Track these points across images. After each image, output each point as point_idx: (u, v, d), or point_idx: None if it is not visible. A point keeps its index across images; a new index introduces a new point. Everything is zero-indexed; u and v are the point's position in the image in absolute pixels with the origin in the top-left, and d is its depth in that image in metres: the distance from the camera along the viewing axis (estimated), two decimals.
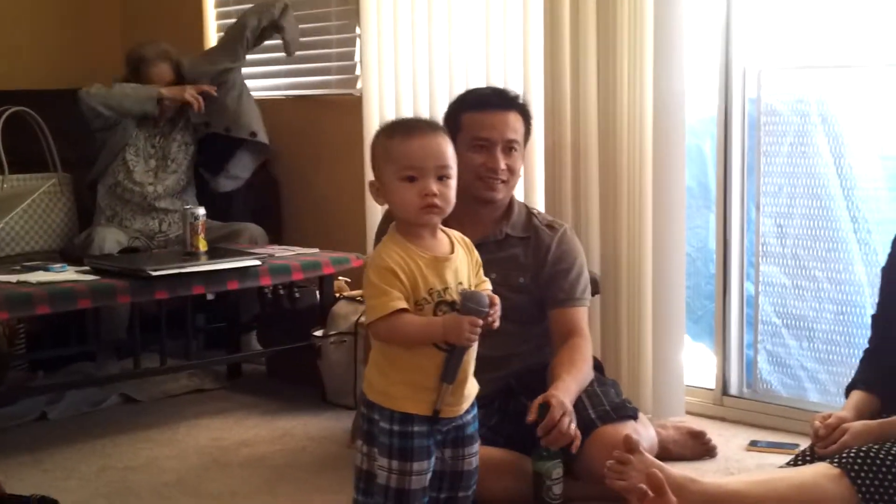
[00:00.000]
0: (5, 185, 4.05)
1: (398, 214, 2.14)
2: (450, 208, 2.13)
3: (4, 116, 4.15)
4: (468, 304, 2.06)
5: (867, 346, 2.72)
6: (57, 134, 4.27)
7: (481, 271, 2.22)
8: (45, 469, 3.08)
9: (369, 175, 3.98)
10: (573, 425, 2.53)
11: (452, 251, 2.15)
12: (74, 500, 2.82)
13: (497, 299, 2.11)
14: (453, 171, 2.13)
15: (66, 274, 3.36)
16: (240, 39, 4.18)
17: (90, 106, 4.04)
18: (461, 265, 2.15)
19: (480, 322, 2.06)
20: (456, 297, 2.10)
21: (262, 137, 4.25)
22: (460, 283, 2.12)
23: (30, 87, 4.64)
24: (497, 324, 2.11)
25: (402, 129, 2.16)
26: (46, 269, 3.40)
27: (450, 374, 2.08)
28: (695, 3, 3.37)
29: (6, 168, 4.10)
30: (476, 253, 2.22)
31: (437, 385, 2.08)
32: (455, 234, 2.21)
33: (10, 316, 3.21)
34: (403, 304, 2.06)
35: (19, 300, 3.10)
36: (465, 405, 2.15)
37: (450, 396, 2.10)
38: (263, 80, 4.68)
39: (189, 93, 4.08)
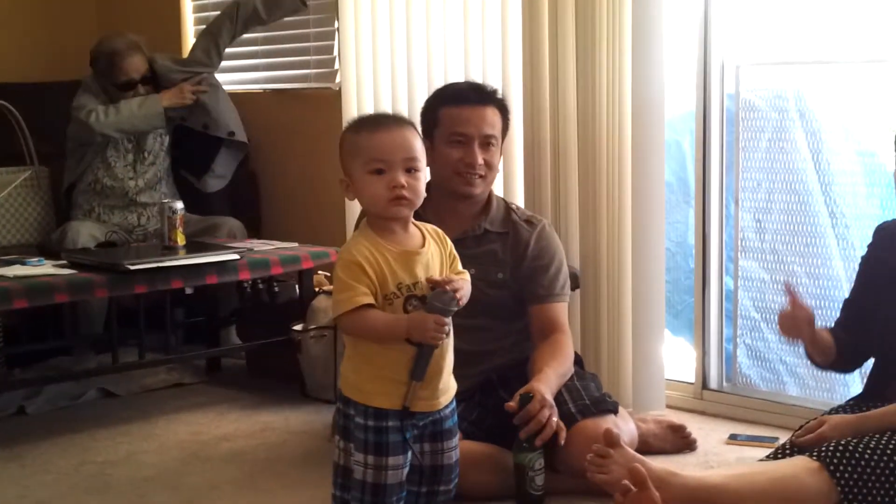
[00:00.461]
0: None
1: (368, 208, 2.15)
2: (419, 201, 2.14)
3: None
4: (434, 302, 2.07)
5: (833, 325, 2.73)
6: (34, 127, 4.23)
7: (458, 263, 2.21)
8: (24, 464, 3.06)
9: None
10: (555, 418, 2.54)
11: (424, 245, 2.15)
12: (53, 494, 2.82)
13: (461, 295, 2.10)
14: (421, 163, 2.14)
15: (44, 268, 3.34)
16: (214, 45, 4.19)
17: (104, 133, 4.01)
18: (433, 259, 2.15)
19: (446, 321, 2.06)
20: (427, 292, 2.10)
21: (241, 136, 4.24)
22: (416, 283, 2.11)
23: (6, 80, 4.60)
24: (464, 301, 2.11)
25: (368, 124, 2.17)
26: (23, 263, 3.38)
27: (419, 371, 2.08)
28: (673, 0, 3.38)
29: None
30: (450, 245, 2.21)
31: (407, 380, 2.08)
32: (428, 227, 2.21)
33: None
34: (369, 300, 2.06)
35: None
36: (443, 400, 2.15)
37: (422, 391, 2.10)
38: (242, 73, 4.66)
39: (188, 96, 4.08)
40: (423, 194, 2.15)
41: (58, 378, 3.72)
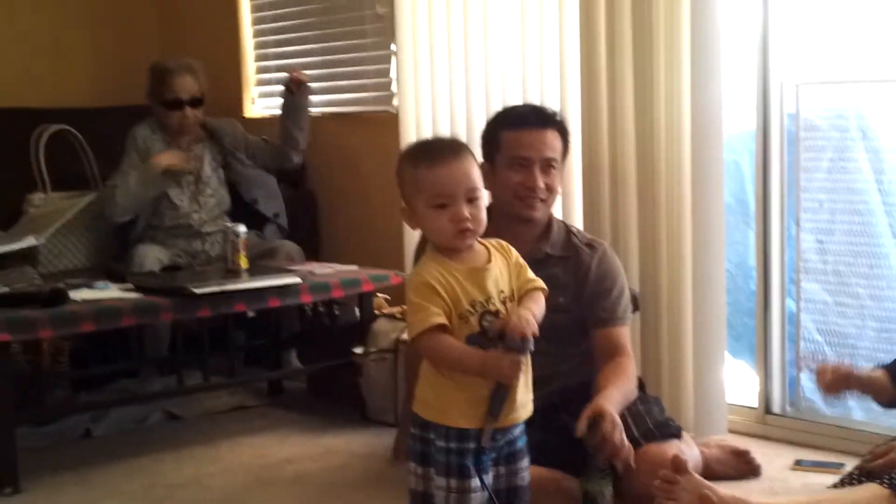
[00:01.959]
0: (48, 204, 4.10)
1: (433, 240, 2.17)
2: (482, 228, 2.16)
3: (46, 135, 4.21)
4: (510, 343, 2.07)
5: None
6: (97, 151, 4.32)
7: (526, 271, 2.22)
8: (91, 487, 3.11)
9: None
10: (625, 438, 2.52)
11: (490, 260, 2.17)
12: None
13: (522, 320, 2.09)
14: (481, 191, 2.16)
15: (110, 291, 3.39)
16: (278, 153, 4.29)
17: (124, 220, 4.05)
18: (501, 273, 2.17)
19: (522, 360, 2.07)
20: (499, 306, 2.12)
21: (263, 207, 4.25)
22: (489, 299, 2.12)
23: (70, 105, 4.69)
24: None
25: (426, 157, 2.17)
26: (90, 287, 3.42)
27: (495, 409, 2.08)
28: (732, 18, 3.37)
29: (48, 186, 4.16)
30: (514, 254, 2.22)
31: (483, 416, 2.08)
32: (491, 241, 2.22)
33: (55, 334, 3.24)
34: (442, 320, 2.08)
35: (64, 318, 3.13)
36: (522, 413, 2.17)
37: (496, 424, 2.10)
38: None
39: (184, 163, 4.09)
40: (485, 220, 2.16)
41: (123, 401, 3.78)
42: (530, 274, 2.22)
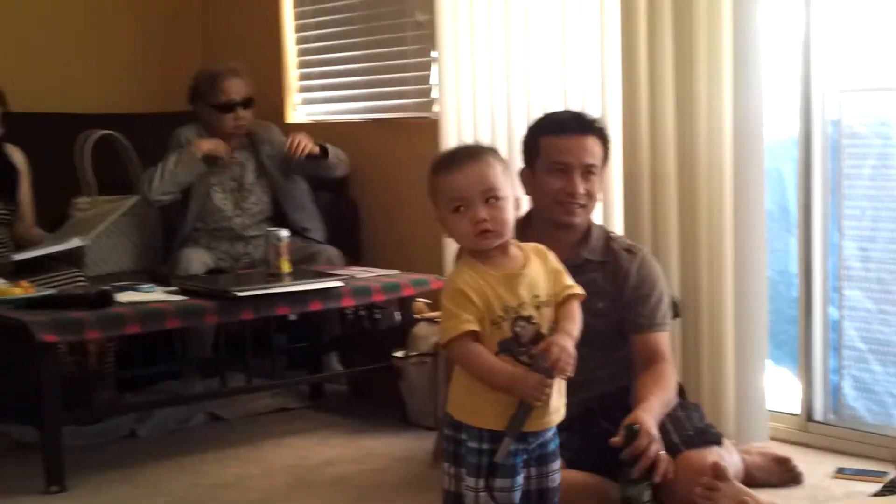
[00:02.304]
0: (93, 207, 4.17)
1: (459, 244, 2.21)
2: (504, 229, 2.16)
3: (92, 140, 4.28)
4: (540, 363, 2.09)
5: None
6: (142, 156, 4.38)
7: (564, 277, 2.23)
8: (136, 486, 3.15)
9: None
10: (662, 451, 2.53)
11: (525, 265, 2.18)
12: None
13: (557, 349, 2.10)
14: (502, 191, 2.16)
15: (155, 294, 3.42)
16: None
17: (157, 200, 4.12)
18: (537, 278, 2.18)
19: (549, 382, 2.09)
20: (533, 311, 2.13)
21: (315, 234, 4.29)
22: (522, 304, 2.14)
23: (114, 111, 4.76)
24: (568, 373, 2.13)
25: (444, 164, 2.21)
26: (135, 290, 3.46)
27: (514, 426, 2.09)
28: (774, 24, 3.36)
29: (94, 189, 4.22)
30: (552, 259, 2.23)
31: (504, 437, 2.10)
32: (529, 245, 2.24)
33: (102, 335, 3.29)
34: (473, 326, 2.10)
35: (110, 320, 3.18)
36: (554, 419, 2.18)
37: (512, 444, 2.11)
38: (342, 103, 4.75)
39: (223, 150, 4.14)
40: (509, 221, 2.17)
41: (168, 402, 3.83)
42: (567, 280, 2.23)
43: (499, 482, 2.12)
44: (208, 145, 4.12)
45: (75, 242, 3.71)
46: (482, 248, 2.16)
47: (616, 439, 2.53)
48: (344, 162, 4.41)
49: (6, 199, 3.88)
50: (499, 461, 2.11)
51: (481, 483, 2.11)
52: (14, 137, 3.93)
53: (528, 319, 2.13)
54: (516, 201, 2.23)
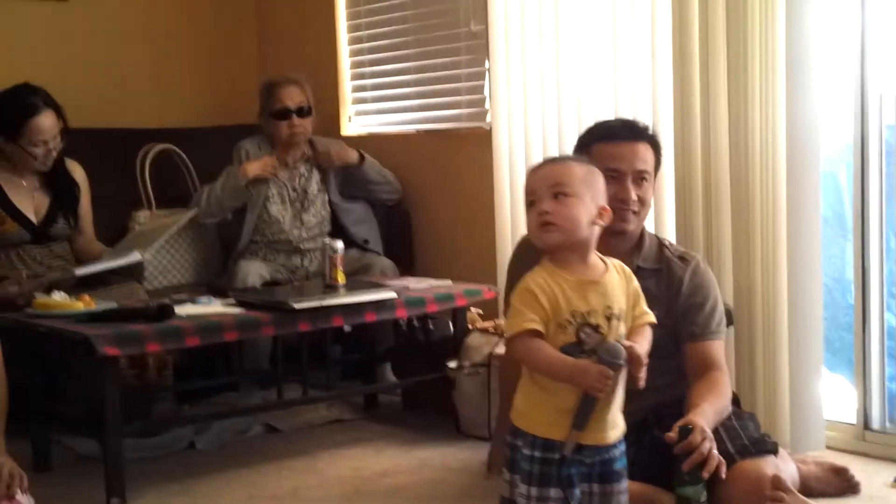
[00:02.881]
0: (152, 221, 4.24)
1: (533, 242, 2.24)
2: (571, 225, 2.18)
3: (152, 154, 4.35)
4: (602, 354, 2.09)
5: None
6: (199, 170, 4.46)
7: (642, 302, 2.24)
8: (194, 497, 3.19)
9: (499, 207, 4.10)
10: (714, 451, 2.51)
11: (603, 276, 2.19)
12: None
13: (636, 353, 2.13)
14: (572, 189, 2.18)
15: (213, 307, 3.46)
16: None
17: (205, 221, 4.22)
18: (615, 290, 2.19)
19: (611, 374, 2.09)
20: (601, 321, 2.15)
21: (374, 245, 4.36)
22: (591, 312, 2.15)
23: (173, 125, 4.84)
24: (643, 384, 2.15)
25: (533, 167, 2.31)
26: (194, 302, 3.51)
27: (580, 420, 2.11)
28: (828, 28, 3.32)
29: (153, 203, 4.30)
30: (635, 283, 2.25)
31: (567, 428, 2.11)
32: (615, 262, 2.25)
33: (161, 348, 3.34)
34: (536, 325, 2.12)
35: (170, 333, 3.21)
36: (612, 435, 2.18)
37: (583, 434, 2.12)
38: (395, 114, 4.79)
39: (268, 170, 4.20)
40: (575, 218, 2.18)
41: (225, 414, 3.87)
42: (644, 306, 2.25)
43: (553, 492, 2.12)
44: (254, 170, 4.17)
45: (135, 257, 3.78)
46: (545, 244, 2.18)
47: (671, 434, 2.51)
48: (390, 184, 4.48)
49: (67, 215, 3.96)
50: (565, 453, 2.12)
51: (534, 491, 2.12)
52: (76, 153, 4.01)
53: (596, 328, 2.14)
54: (601, 211, 2.23)
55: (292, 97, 4.25)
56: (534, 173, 2.25)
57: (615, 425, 2.19)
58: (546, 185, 2.18)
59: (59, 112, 3.82)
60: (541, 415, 2.14)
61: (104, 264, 3.73)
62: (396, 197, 4.55)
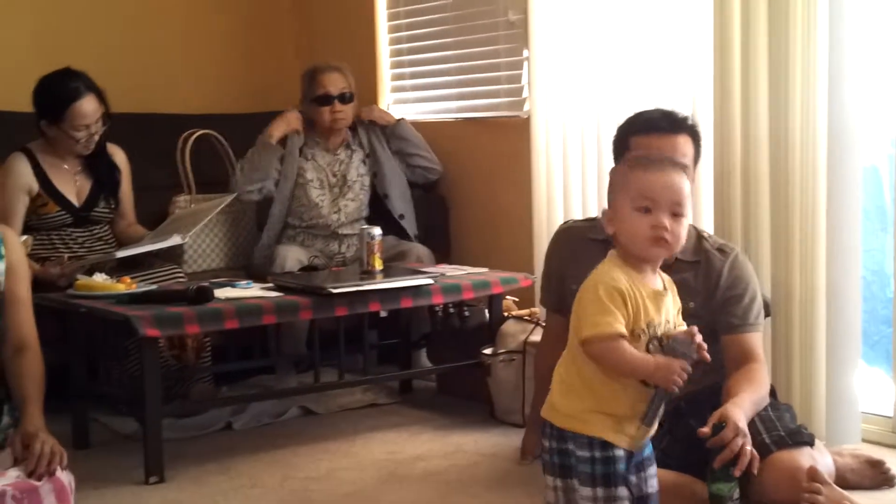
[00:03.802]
0: (192, 205, 4.29)
1: (626, 244, 2.17)
2: (678, 246, 2.17)
3: (192, 139, 4.39)
4: (677, 347, 2.10)
5: None
6: (239, 155, 4.48)
7: (680, 315, 2.25)
8: (231, 477, 3.22)
9: (536, 195, 4.10)
10: (748, 446, 2.51)
11: (665, 289, 2.20)
12: None
13: (699, 337, 2.14)
14: (686, 209, 2.16)
15: (252, 290, 3.50)
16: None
17: (246, 194, 4.26)
18: (671, 306, 2.19)
19: (690, 368, 2.08)
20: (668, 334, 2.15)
21: (409, 226, 4.39)
22: (660, 325, 2.15)
23: (213, 111, 4.88)
24: (708, 358, 2.15)
25: (644, 161, 2.20)
26: (233, 286, 3.55)
27: (650, 415, 2.11)
28: (869, 19, 3.30)
29: (193, 188, 4.34)
30: (679, 300, 2.25)
31: (637, 425, 2.12)
32: (665, 277, 2.24)
33: (201, 330, 3.37)
34: (624, 331, 2.09)
35: (210, 315, 3.25)
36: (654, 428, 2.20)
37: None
38: (433, 103, 4.80)
39: (293, 122, 4.28)
40: (682, 240, 2.17)
41: (263, 396, 3.91)
42: (680, 318, 2.25)
43: (620, 491, 2.12)
44: (279, 129, 4.24)
45: (175, 240, 3.82)
46: (649, 256, 2.15)
47: (704, 430, 2.51)
48: (429, 153, 4.50)
49: (108, 198, 4.01)
50: (634, 450, 2.13)
51: (599, 492, 2.11)
52: (118, 137, 4.06)
53: (661, 342, 2.14)
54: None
55: (335, 83, 4.29)
56: (654, 179, 2.13)
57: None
58: (668, 200, 2.12)
59: (100, 96, 3.86)
60: (595, 418, 2.12)
61: (144, 247, 3.79)
62: (436, 170, 4.55)
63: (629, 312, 2.10)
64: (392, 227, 4.29)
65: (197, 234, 4.10)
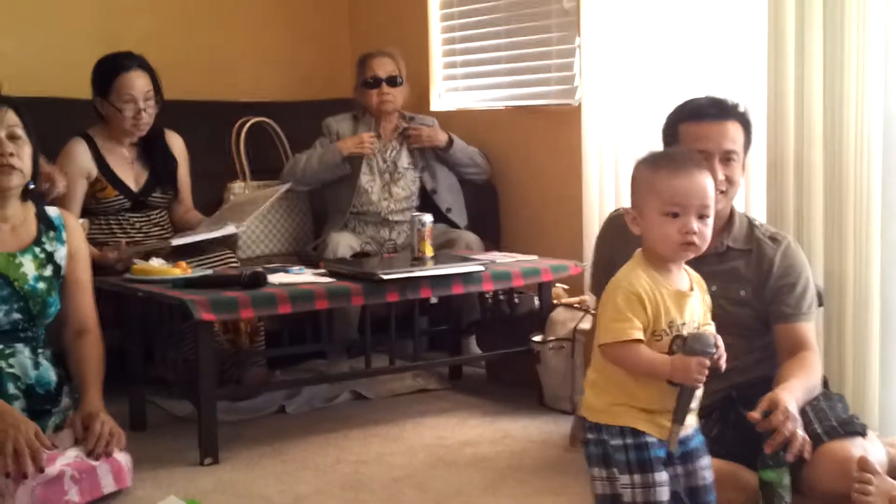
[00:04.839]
0: (246, 192, 4.34)
1: (654, 247, 2.19)
2: (705, 247, 2.19)
3: (247, 127, 4.45)
4: (695, 345, 2.12)
5: None
6: (293, 143, 4.54)
7: (709, 314, 2.26)
8: (285, 460, 3.27)
9: (587, 184, 4.10)
10: (800, 430, 2.50)
11: (691, 288, 2.21)
12: (312, 489, 3.00)
13: (720, 340, 2.16)
14: (711, 210, 2.18)
15: (305, 276, 3.53)
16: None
17: (298, 190, 4.32)
18: (697, 305, 2.20)
19: (708, 363, 2.10)
20: (688, 333, 2.16)
21: (457, 218, 4.40)
22: (684, 324, 2.16)
23: (268, 99, 4.94)
24: (724, 366, 2.16)
25: (668, 164, 2.21)
26: (287, 272, 3.59)
27: (680, 414, 2.13)
28: None
29: (248, 175, 4.40)
30: (708, 297, 2.27)
31: (670, 418, 2.14)
32: (693, 274, 2.25)
33: (255, 314, 3.42)
34: (640, 335, 2.12)
35: (264, 300, 3.28)
36: (689, 423, 2.20)
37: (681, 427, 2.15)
38: (484, 91, 4.81)
39: (366, 147, 4.27)
40: (708, 240, 2.19)
41: (315, 380, 3.96)
42: (709, 317, 2.26)
43: (656, 476, 2.13)
44: (350, 147, 4.24)
45: (230, 229, 3.86)
46: (676, 259, 2.18)
47: (754, 413, 2.51)
48: (478, 166, 4.52)
49: (166, 185, 4.07)
50: (671, 449, 2.15)
51: (636, 478, 2.13)
52: (174, 124, 4.12)
53: (684, 340, 2.15)
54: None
55: (383, 67, 4.34)
56: (681, 185, 2.15)
57: (691, 423, 2.21)
58: (696, 203, 2.15)
59: (153, 76, 3.92)
60: (620, 410, 2.16)
61: (200, 235, 3.83)
62: (484, 177, 4.59)
63: (648, 315, 2.13)
64: (440, 217, 4.31)
65: (251, 221, 4.15)
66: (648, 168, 2.22)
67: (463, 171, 4.50)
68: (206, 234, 3.84)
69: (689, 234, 2.14)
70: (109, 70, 3.89)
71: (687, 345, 2.13)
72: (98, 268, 3.46)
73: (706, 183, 2.18)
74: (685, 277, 2.22)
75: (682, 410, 2.13)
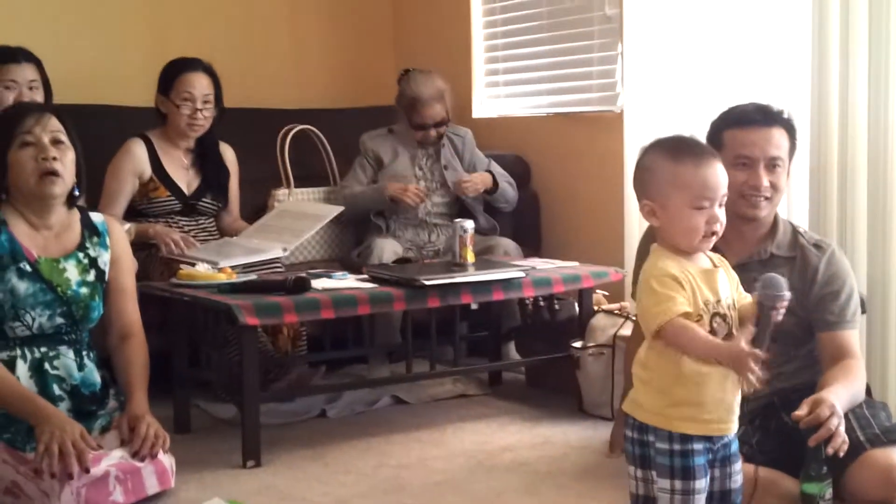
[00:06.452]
0: (290, 198, 4.39)
1: (676, 239, 2.18)
2: (721, 232, 2.19)
3: (291, 134, 4.49)
4: (767, 290, 2.11)
5: None
6: (336, 150, 4.58)
7: (741, 287, 2.24)
8: (326, 463, 3.29)
9: (628, 190, 4.10)
10: (842, 428, 2.48)
11: (717, 266, 2.20)
12: (353, 493, 3.02)
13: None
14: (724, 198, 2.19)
15: (347, 281, 3.56)
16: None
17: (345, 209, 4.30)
18: (725, 280, 2.19)
19: (762, 356, 2.06)
20: (728, 311, 2.15)
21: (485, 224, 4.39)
22: (719, 302, 2.14)
23: (312, 106, 4.98)
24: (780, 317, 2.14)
25: (690, 155, 2.17)
26: (329, 277, 3.61)
27: (760, 338, 2.09)
28: None
29: (292, 182, 4.44)
30: (732, 271, 2.25)
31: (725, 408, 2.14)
32: (714, 255, 2.25)
33: (298, 319, 3.45)
34: (688, 308, 2.10)
35: (307, 305, 3.31)
36: (736, 424, 2.20)
37: (713, 414, 2.13)
38: (525, 98, 4.83)
39: (411, 198, 4.25)
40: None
41: (356, 385, 3.99)
42: (744, 292, 2.24)
43: (696, 484, 2.13)
44: (397, 191, 4.26)
45: (276, 252, 3.85)
46: (701, 249, 2.18)
47: (798, 412, 2.49)
48: (509, 203, 4.50)
49: (217, 193, 4.14)
50: (725, 432, 2.15)
51: (677, 484, 2.13)
52: (222, 131, 4.18)
53: (724, 318, 2.14)
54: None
55: (433, 115, 4.36)
56: (709, 176, 2.14)
57: (737, 414, 2.20)
58: (721, 195, 2.16)
59: (215, 81, 4.04)
60: (677, 411, 2.14)
61: (247, 258, 3.78)
62: (510, 209, 4.57)
63: (687, 292, 2.11)
64: (480, 223, 4.32)
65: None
66: (669, 160, 2.18)
67: (495, 205, 4.51)
68: (254, 258, 3.79)
69: (716, 224, 2.15)
70: (175, 69, 4.04)
71: (760, 289, 2.11)
72: (148, 238, 3.78)
73: (722, 172, 2.18)
74: (705, 258, 2.22)
75: (761, 335, 2.10)
